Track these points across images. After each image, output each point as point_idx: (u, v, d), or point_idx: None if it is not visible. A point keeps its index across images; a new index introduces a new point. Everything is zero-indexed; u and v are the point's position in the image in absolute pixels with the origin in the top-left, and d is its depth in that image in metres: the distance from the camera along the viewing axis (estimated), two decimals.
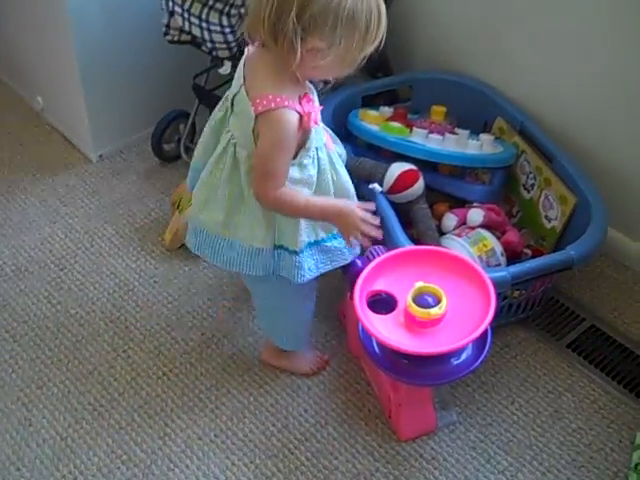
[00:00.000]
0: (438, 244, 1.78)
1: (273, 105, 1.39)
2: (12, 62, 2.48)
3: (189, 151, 2.30)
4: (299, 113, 1.41)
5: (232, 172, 1.50)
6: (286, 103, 1.39)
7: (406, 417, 1.64)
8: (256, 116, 1.41)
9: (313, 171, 1.50)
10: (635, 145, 1.89)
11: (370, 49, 1.41)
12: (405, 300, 1.48)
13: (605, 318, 1.90)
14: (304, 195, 1.49)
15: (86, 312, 1.91)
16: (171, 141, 2.30)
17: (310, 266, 1.55)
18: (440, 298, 1.47)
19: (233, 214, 1.53)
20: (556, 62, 1.94)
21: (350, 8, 1.34)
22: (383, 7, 1.38)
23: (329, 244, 1.57)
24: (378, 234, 1.51)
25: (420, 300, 1.47)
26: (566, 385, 1.76)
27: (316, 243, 1.56)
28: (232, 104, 1.50)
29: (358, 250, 1.61)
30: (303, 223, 1.51)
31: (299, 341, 1.76)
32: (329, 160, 1.53)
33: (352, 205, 1.51)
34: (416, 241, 1.82)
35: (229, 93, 1.51)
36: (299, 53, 1.35)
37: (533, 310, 1.87)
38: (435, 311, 1.45)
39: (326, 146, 1.52)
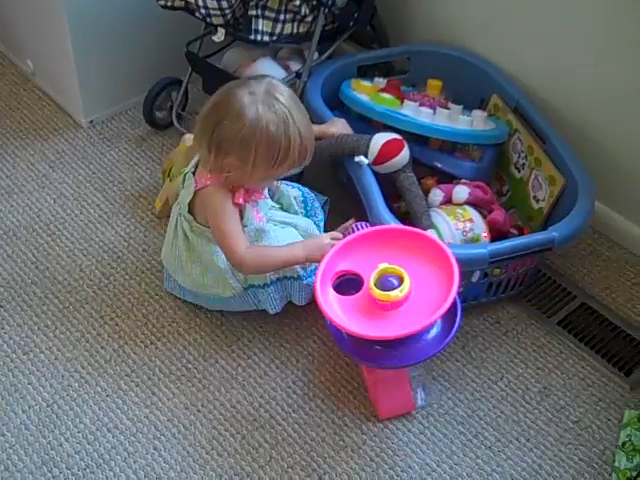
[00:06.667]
0: (426, 211, 1.78)
1: (208, 183, 1.63)
2: (2, 24, 2.44)
3: (181, 119, 2.27)
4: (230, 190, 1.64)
5: (185, 240, 1.72)
6: (219, 181, 1.63)
7: (383, 396, 1.62)
8: (195, 192, 1.65)
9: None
10: (631, 124, 1.87)
11: (284, 168, 1.60)
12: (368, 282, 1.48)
13: (597, 296, 1.90)
14: (271, 245, 1.67)
15: (74, 279, 1.89)
16: (163, 108, 2.27)
17: (279, 297, 1.73)
18: (403, 279, 1.46)
19: (199, 276, 1.72)
20: (557, 39, 1.92)
21: (246, 135, 1.54)
22: (293, 134, 1.56)
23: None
24: None
25: (385, 281, 1.48)
26: (556, 362, 1.76)
27: (278, 280, 1.72)
28: (184, 179, 1.72)
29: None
30: None
31: None
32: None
33: (320, 237, 1.70)
34: (403, 214, 1.81)
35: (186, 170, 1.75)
36: (212, 162, 1.58)
37: (515, 290, 1.85)
38: (395, 294, 1.45)
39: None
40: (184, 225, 1.72)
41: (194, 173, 1.70)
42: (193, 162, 1.73)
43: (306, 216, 1.82)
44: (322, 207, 1.87)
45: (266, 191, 1.75)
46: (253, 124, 1.54)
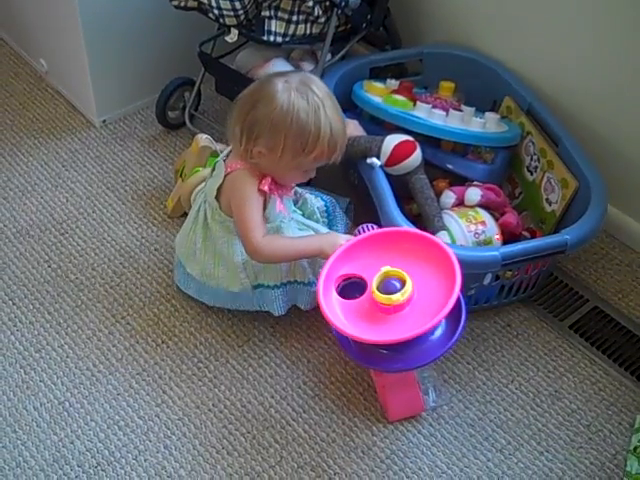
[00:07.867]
0: (438, 213, 1.77)
1: (239, 166, 1.64)
2: (16, 23, 2.45)
3: (194, 119, 2.28)
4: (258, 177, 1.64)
5: (204, 227, 1.72)
6: (248, 167, 1.64)
7: (391, 399, 1.62)
8: (225, 176, 1.65)
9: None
10: None
11: (312, 158, 1.59)
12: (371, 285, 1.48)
13: (609, 300, 1.89)
14: (287, 236, 1.68)
15: (86, 277, 1.90)
16: (176, 108, 2.28)
17: (285, 299, 1.73)
18: (405, 282, 1.46)
19: (210, 266, 1.72)
20: (571, 41, 1.91)
21: (277, 119, 1.55)
22: (324, 125, 1.56)
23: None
24: None
25: (387, 285, 1.47)
26: (567, 366, 1.76)
27: (289, 283, 1.71)
28: (213, 169, 1.74)
29: None
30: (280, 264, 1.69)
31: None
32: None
33: (335, 236, 1.66)
34: (414, 216, 1.81)
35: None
36: (242, 148, 1.60)
37: (527, 293, 1.85)
38: (397, 297, 1.45)
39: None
40: (207, 211, 1.72)
41: (224, 161, 1.70)
42: (225, 152, 1.73)
43: (328, 225, 1.82)
44: (346, 211, 1.88)
45: (292, 192, 1.75)
46: (284, 108, 1.55)
